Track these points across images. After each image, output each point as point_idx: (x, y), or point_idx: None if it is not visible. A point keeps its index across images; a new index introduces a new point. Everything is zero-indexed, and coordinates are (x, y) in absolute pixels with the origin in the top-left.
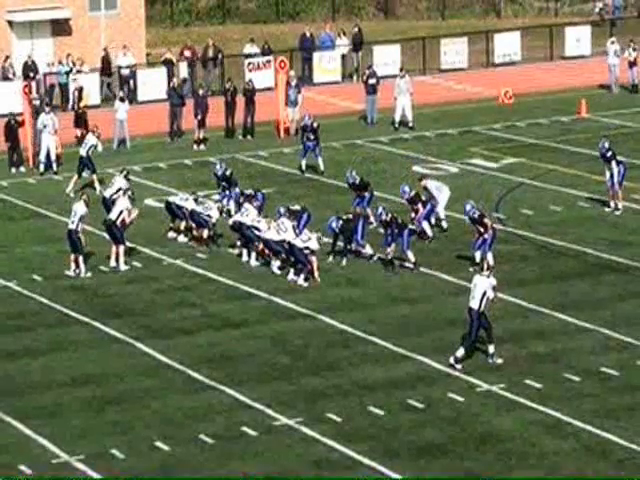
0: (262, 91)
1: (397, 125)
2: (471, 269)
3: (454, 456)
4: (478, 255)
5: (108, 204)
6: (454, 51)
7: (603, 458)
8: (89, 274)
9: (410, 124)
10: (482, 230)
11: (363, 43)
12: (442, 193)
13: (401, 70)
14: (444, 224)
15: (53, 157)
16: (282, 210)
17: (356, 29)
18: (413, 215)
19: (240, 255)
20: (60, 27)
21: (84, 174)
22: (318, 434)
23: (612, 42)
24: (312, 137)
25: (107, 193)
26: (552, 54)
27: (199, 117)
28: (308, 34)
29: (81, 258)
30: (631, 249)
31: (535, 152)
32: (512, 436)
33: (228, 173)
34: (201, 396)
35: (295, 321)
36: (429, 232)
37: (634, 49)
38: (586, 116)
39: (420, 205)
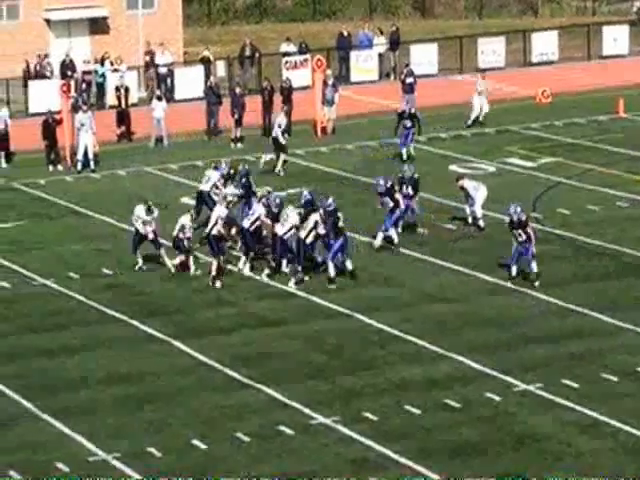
0: (299, 90)
1: (470, 123)
2: (509, 284)
3: (490, 456)
4: (515, 270)
5: (204, 198)
6: (491, 50)
7: None
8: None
9: (481, 119)
10: (523, 237)
11: (400, 42)
12: (479, 192)
13: (483, 72)
14: (481, 223)
15: (91, 155)
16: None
17: (393, 28)
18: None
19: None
20: (98, 26)
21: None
22: (355, 433)
23: None
24: (409, 124)
25: (204, 187)
26: (589, 53)
27: (236, 116)
28: (345, 33)
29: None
30: None
31: (572, 151)
32: (548, 436)
33: (232, 172)
34: (237, 395)
35: (331, 320)
36: (396, 238)
37: None
38: (624, 115)
39: (398, 195)
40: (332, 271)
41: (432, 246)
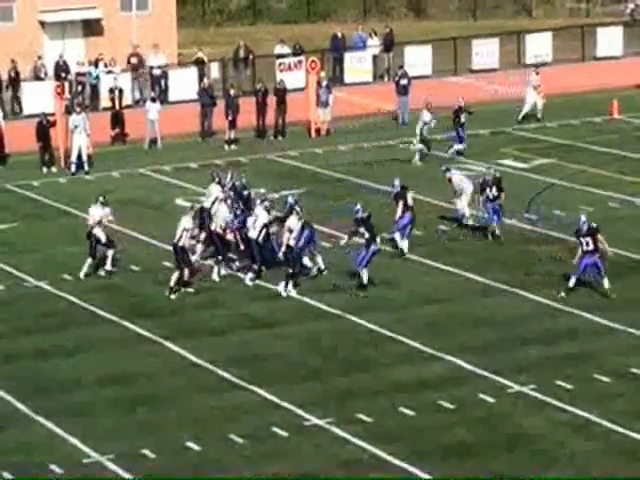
0: (293, 91)
1: (521, 119)
2: (563, 294)
3: (484, 457)
4: (573, 281)
5: (204, 216)
6: (485, 52)
7: (633, 459)
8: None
9: (539, 115)
10: (591, 246)
11: (394, 44)
12: (466, 187)
13: (536, 67)
14: (470, 222)
15: (84, 157)
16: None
17: (387, 29)
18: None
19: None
20: (91, 27)
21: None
22: (348, 434)
23: None
24: (462, 121)
25: (207, 204)
26: (584, 55)
27: (230, 118)
28: (339, 35)
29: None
30: None
31: (566, 153)
32: (542, 437)
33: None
34: (231, 396)
35: (325, 321)
36: (405, 247)
37: None
38: (618, 117)
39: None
40: (365, 278)
41: (427, 247)
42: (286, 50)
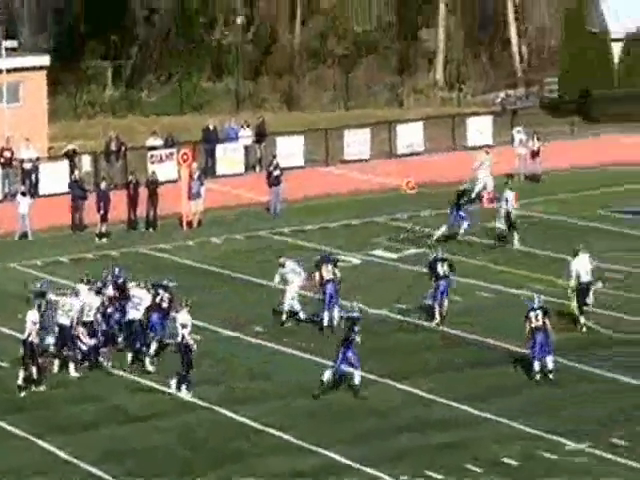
0: (165, 183)
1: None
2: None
3: None
4: (537, 366)
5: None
6: (358, 142)
7: None
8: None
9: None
10: (540, 321)
11: (266, 134)
12: (296, 277)
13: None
14: (302, 315)
15: None
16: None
17: (260, 120)
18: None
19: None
20: None
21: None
22: None
23: (518, 131)
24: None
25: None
26: (455, 144)
27: (101, 211)
28: (211, 126)
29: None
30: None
31: (439, 242)
32: None
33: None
34: None
35: (197, 413)
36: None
37: (537, 139)
38: (488, 205)
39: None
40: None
41: (298, 337)
42: (158, 142)
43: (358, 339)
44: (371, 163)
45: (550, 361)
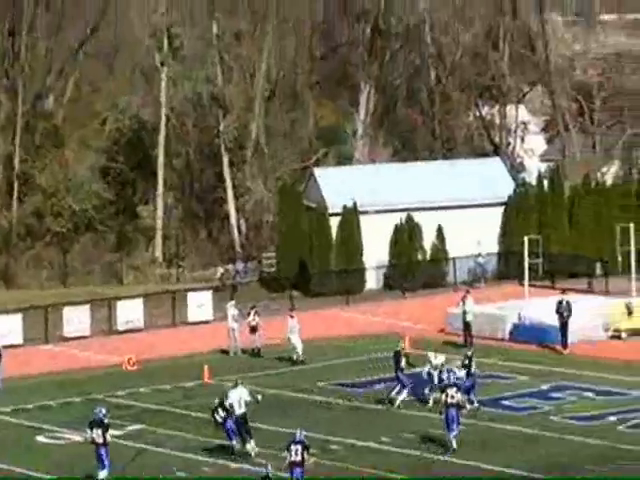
0: None
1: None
2: None
3: None
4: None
5: None
6: (77, 318)
7: None
8: None
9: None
10: (455, 399)
11: None
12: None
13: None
14: None
15: None
16: None
17: None
18: None
19: None
20: None
21: None
22: None
23: (231, 305)
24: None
25: None
26: (175, 320)
27: None
28: None
29: None
30: None
31: (159, 417)
32: None
33: None
34: None
35: None
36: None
37: (256, 313)
38: (209, 381)
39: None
40: None
41: None
42: None
43: None
44: (91, 340)
45: None
